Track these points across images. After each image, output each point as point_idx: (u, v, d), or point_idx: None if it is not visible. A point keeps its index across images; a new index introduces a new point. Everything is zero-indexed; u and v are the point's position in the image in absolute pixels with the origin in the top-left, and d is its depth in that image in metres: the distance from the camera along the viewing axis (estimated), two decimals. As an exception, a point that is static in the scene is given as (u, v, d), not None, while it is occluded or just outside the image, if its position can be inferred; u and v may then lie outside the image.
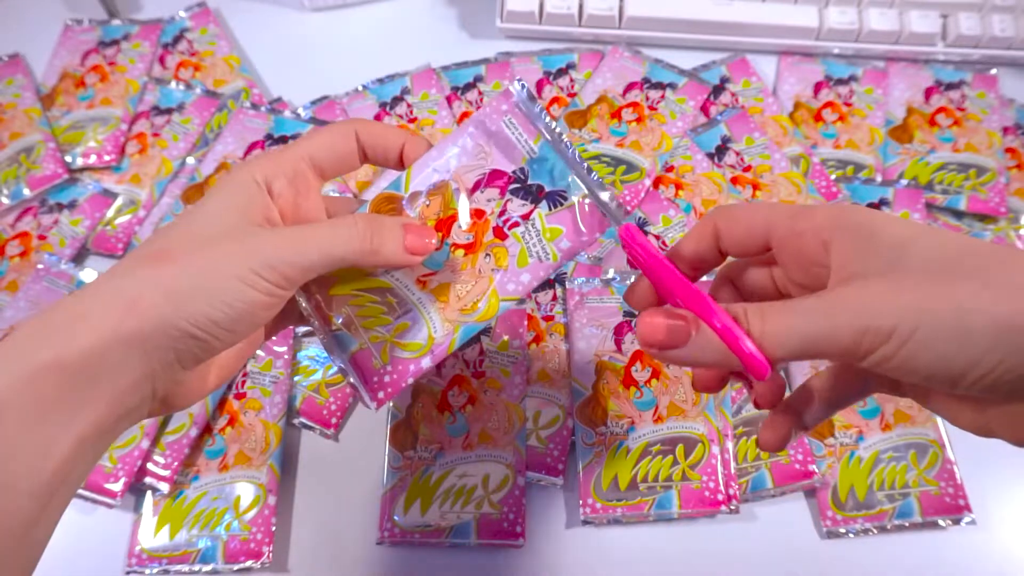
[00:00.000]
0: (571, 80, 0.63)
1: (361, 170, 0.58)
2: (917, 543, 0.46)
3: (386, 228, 0.29)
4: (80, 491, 0.46)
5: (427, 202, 0.32)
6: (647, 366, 0.49)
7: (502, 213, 0.32)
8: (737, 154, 0.58)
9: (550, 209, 0.31)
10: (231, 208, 0.28)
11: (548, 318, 0.52)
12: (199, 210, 0.28)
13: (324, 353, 0.52)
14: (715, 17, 0.63)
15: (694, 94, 0.61)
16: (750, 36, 0.64)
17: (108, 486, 0.46)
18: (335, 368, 0.51)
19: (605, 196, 0.30)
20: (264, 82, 0.65)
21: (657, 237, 0.55)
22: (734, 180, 0.58)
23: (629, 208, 0.55)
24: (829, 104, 0.62)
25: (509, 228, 0.32)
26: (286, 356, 0.51)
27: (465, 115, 0.61)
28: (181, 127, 0.61)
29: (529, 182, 0.32)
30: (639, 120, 0.60)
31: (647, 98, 0.61)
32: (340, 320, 0.32)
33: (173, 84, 0.63)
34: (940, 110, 0.61)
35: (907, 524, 0.45)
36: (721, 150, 0.59)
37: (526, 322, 0.52)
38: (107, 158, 0.59)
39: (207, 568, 0.45)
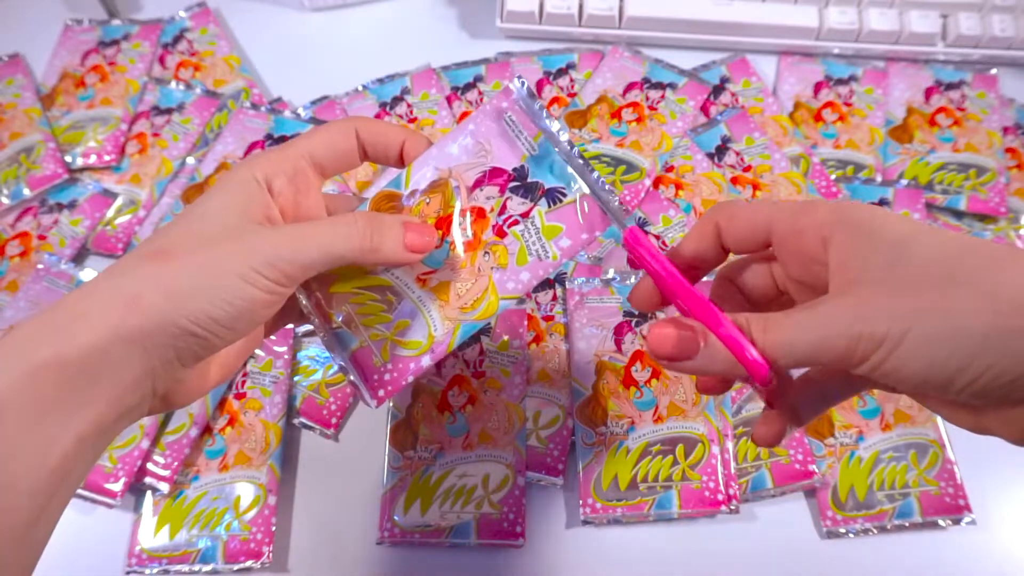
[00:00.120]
0: (571, 80, 0.63)
1: (361, 169, 0.58)
2: (917, 543, 0.46)
3: (386, 226, 0.29)
4: (80, 491, 0.46)
5: (427, 200, 0.32)
6: (647, 366, 0.49)
7: (502, 211, 0.32)
8: (737, 154, 0.58)
9: (549, 207, 0.31)
10: (231, 206, 0.28)
11: (548, 318, 0.52)
12: (199, 209, 0.28)
13: (324, 353, 0.52)
14: (715, 17, 0.63)
15: (694, 94, 0.61)
16: (750, 36, 0.64)
17: (108, 486, 0.46)
18: (335, 367, 0.51)
19: (608, 198, 0.30)
20: (264, 82, 0.65)
21: (657, 237, 0.55)
22: (734, 180, 0.58)
23: (629, 208, 0.55)
24: (829, 104, 0.62)
25: (509, 226, 0.32)
26: (286, 356, 0.51)
27: (465, 115, 0.61)
28: (181, 127, 0.61)
29: (529, 180, 0.32)
30: (639, 120, 0.60)
31: (647, 98, 0.61)
32: (340, 318, 0.32)
33: (173, 84, 0.63)
34: (940, 110, 0.61)
35: (907, 524, 0.45)
36: (721, 150, 0.59)
37: (526, 322, 0.52)
38: (107, 158, 0.59)
39: (207, 568, 0.45)
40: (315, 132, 0.31)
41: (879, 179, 0.58)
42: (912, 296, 0.23)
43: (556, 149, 0.31)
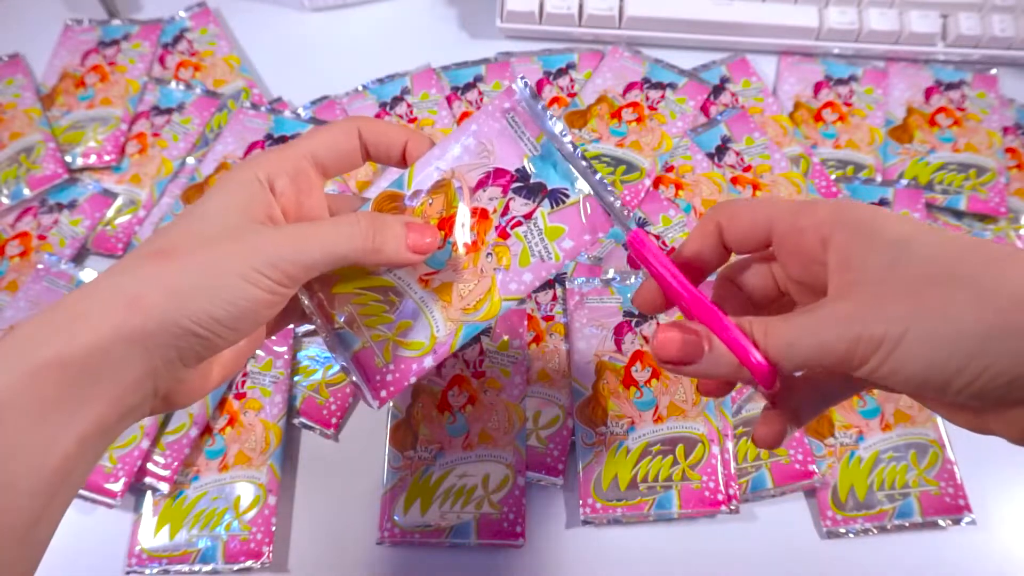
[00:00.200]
0: (571, 80, 0.63)
1: (361, 169, 0.58)
2: (917, 543, 0.46)
3: (388, 226, 0.29)
4: (80, 491, 0.46)
5: (430, 200, 0.32)
6: (647, 366, 0.49)
7: (504, 212, 0.32)
8: (737, 154, 0.58)
9: (552, 208, 0.31)
10: (233, 206, 0.28)
11: (548, 318, 0.52)
12: (201, 208, 0.28)
13: (324, 353, 0.52)
14: (715, 17, 0.63)
15: (694, 94, 0.61)
16: (750, 36, 0.64)
17: (108, 486, 0.46)
18: (337, 366, 0.51)
19: (611, 199, 0.30)
20: (264, 82, 0.65)
21: (657, 237, 0.55)
22: (734, 180, 0.58)
23: (630, 209, 0.55)
24: (829, 104, 0.62)
25: (511, 227, 0.32)
26: (286, 356, 0.51)
27: (465, 115, 0.61)
28: (181, 127, 0.61)
29: (532, 181, 0.31)
30: (639, 120, 0.60)
31: (647, 98, 0.61)
32: (343, 318, 0.32)
33: (173, 84, 0.63)
34: (940, 110, 0.61)
35: (907, 524, 0.45)
36: (721, 150, 0.59)
37: (526, 322, 0.52)
38: (107, 158, 0.59)
39: (207, 568, 0.45)
40: (317, 132, 0.31)
41: (879, 179, 0.58)
42: (910, 297, 0.23)
43: (559, 150, 0.31)
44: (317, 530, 0.47)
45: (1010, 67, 0.64)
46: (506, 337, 0.51)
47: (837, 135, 0.60)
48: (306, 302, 0.32)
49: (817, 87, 0.63)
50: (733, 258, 0.31)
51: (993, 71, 0.63)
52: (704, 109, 0.62)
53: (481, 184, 0.32)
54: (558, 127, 0.31)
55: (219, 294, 0.26)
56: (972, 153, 0.59)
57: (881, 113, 0.61)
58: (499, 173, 0.32)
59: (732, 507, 0.45)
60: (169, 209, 0.57)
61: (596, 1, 0.63)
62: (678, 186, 0.57)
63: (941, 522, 0.46)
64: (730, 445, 0.47)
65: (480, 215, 0.32)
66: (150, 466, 0.47)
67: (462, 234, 0.32)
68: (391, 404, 0.49)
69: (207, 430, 0.49)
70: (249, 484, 0.47)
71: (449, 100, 0.62)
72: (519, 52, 0.65)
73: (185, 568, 0.45)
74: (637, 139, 0.58)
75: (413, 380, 0.32)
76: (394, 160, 0.33)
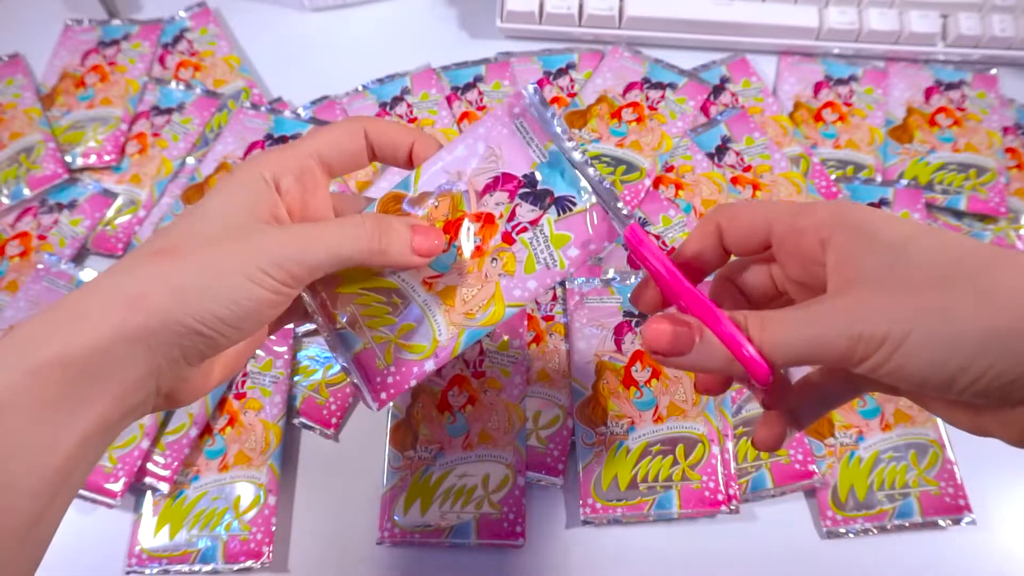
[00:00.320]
0: (571, 80, 0.63)
1: (361, 170, 0.58)
2: (917, 543, 0.46)
3: (394, 229, 0.29)
4: (80, 491, 0.46)
5: (435, 203, 0.32)
6: (647, 366, 0.49)
7: (511, 218, 0.31)
8: (737, 154, 0.58)
9: (559, 215, 0.31)
10: (238, 205, 0.28)
11: (548, 318, 0.52)
12: (206, 206, 0.28)
13: (324, 353, 0.52)
14: (715, 17, 0.63)
15: (694, 94, 0.61)
16: (750, 36, 0.64)
17: (108, 486, 0.46)
18: (337, 367, 0.51)
19: (609, 196, 0.30)
20: (264, 82, 0.65)
21: (657, 237, 0.55)
22: (734, 180, 0.58)
23: (630, 209, 0.55)
24: (829, 104, 0.62)
25: (517, 233, 0.31)
26: (286, 356, 0.51)
27: (465, 115, 0.61)
28: (181, 127, 0.61)
29: (539, 187, 0.31)
30: (639, 120, 0.60)
31: (647, 98, 0.61)
32: (345, 319, 0.32)
33: (173, 84, 0.63)
34: (940, 110, 0.61)
35: (907, 524, 0.45)
36: (721, 150, 0.59)
37: (526, 322, 0.52)
38: (107, 158, 0.59)
39: (207, 568, 0.45)
40: (323, 131, 0.31)
41: (879, 179, 0.58)
42: (913, 296, 0.23)
43: (566, 156, 0.31)
44: (317, 530, 0.47)
45: (1010, 67, 0.64)
46: (506, 337, 0.51)
47: (837, 135, 0.60)
48: (309, 301, 0.32)
49: (817, 87, 0.63)
50: (732, 259, 0.31)
51: (993, 71, 0.63)
52: (704, 109, 0.62)
53: (488, 189, 0.32)
54: (566, 133, 0.31)
55: (223, 293, 0.25)
56: (972, 153, 0.59)
57: (881, 113, 0.61)
58: (506, 178, 0.32)
59: (732, 507, 0.45)
60: (169, 209, 0.57)
61: (596, 1, 0.63)
62: (678, 186, 0.57)
63: (941, 522, 0.46)
64: (730, 445, 0.47)
65: (486, 220, 0.32)
66: (150, 466, 0.47)
67: (467, 238, 0.32)
68: (391, 404, 0.49)
69: (207, 430, 0.49)
70: (249, 484, 0.47)
71: (449, 100, 0.62)
72: (519, 52, 0.65)
73: (185, 568, 0.45)
74: (637, 139, 0.58)
75: (413, 383, 0.32)
76: (400, 161, 0.33)
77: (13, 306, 0.52)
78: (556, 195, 0.31)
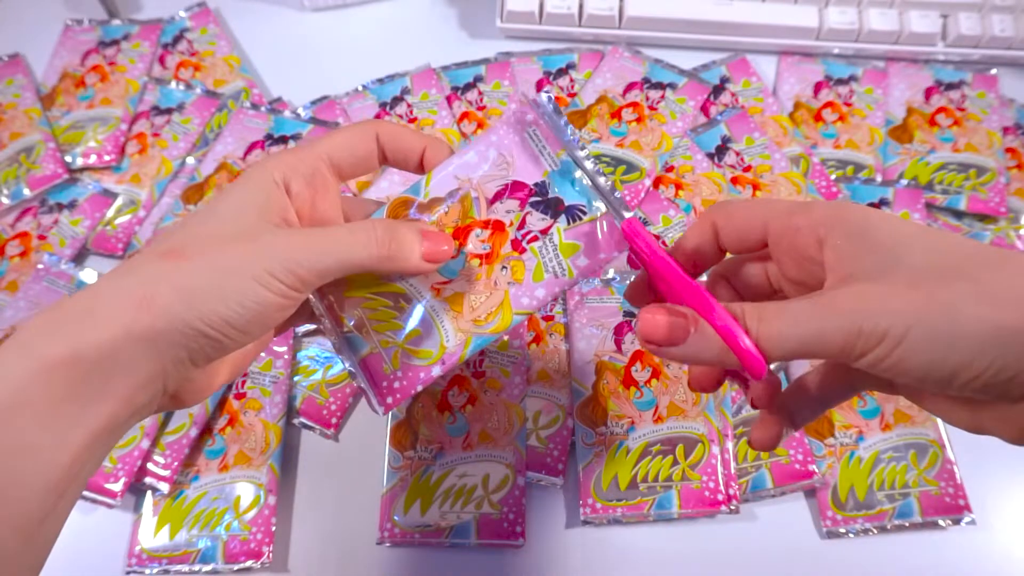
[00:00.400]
0: (571, 80, 0.63)
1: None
2: (917, 543, 0.46)
3: (404, 234, 0.29)
4: (80, 491, 0.46)
5: (445, 209, 0.32)
6: (647, 366, 0.49)
7: (521, 226, 0.31)
8: (737, 154, 0.58)
9: (568, 224, 0.31)
10: (248, 207, 0.28)
11: (548, 318, 0.52)
12: (215, 208, 0.28)
13: (324, 353, 0.52)
14: (715, 17, 0.63)
15: (694, 94, 0.61)
16: (750, 36, 0.64)
17: (108, 486, 0.46)
18: (337, 367, 0.51)
19: (608, 191, 0.30)
20: (264, 82, 0.65)
21: (657, 237, 0.55)
22: (734, 180, 0.58)
23: (629, 208, 0.55)
24: (829, 104, 0.62)
25: (528, 242, 0.31)
26: (286, 356, 0.51)
27: (465, 115, 0.61)
28: (181, 127, 0.61)
29: (549, 196, 0.31)
30: (639, 120, 0.60)
31: (647, 98, 0.61)
32: (352, 322, 0.32)
33: (173, 84, 0.63)
34: (940, 110, 0.61)
35: (907, 524, 0.45)
36: (721, 150, 0.59)
37: (526, 322, 0.52)
38: (107, 158, 0.59)
39: (207, 568, 0.45)
40: (335, 134, 0.31)
41: (879, 179, 0.58)
42: (914, 293, 0.23)
43: (577, 164, 0.31)
44: (317, 530, 0.47)
45: (1010, 67, 0.64)
46: (506, 337, 0.51)
47: (837, 135, 0.60)
48: (316, 304, 0.32)
49: (817, 87, 0.63)
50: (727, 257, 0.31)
51: (993, 71, 0.63)
52: (704, 109, 0.62)
53: (499, 196, 0.32)
54: (578, 141, 0.30)
55: (231, 296, 0.25)
56: (972, 153, 0.59)
57: (881, 113, 0.61)
58: (517, 186, 0.31)
59: (732, 507, 0.45)
60: (169, 209, 0.57)
61: (596, 1, 0.63)
62: (678, 186, 0.57)
63: (941, 522, 0.46)
64: (730, 445, 0.47)
65: (496, 227, 0.32)
66: (150, 466, 0.47)
67: (477, 245, 0.32)
68: (391, 404, 0.49)
69: (207, 430, 0.49)
70: (249, 484, 0.47)
71: (449, 100, 0.62)
72: (519, 52, 0.65)
73: (185, 568, 0.45)
74: (637, 139, 0.58)
75: (420, 388, 0.31)
76: (411, 166, 0.33)
77: (13, 306, 0.52)
78: (566, 204, 0.31)
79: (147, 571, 0.45)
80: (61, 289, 0.53)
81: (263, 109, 0.61)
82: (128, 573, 0.45)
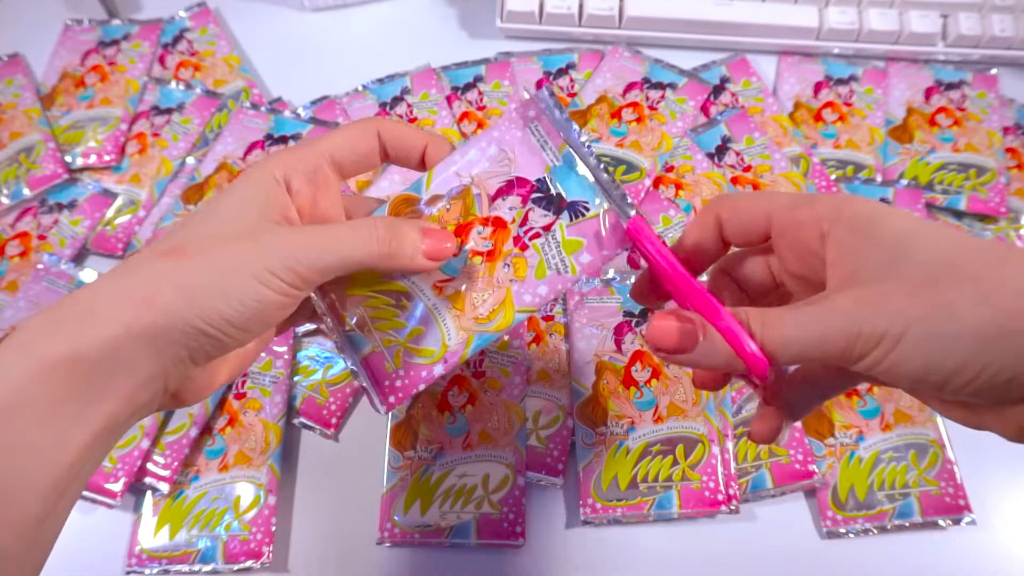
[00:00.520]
0: (571, 80, 0.63)
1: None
2: (917, 543, 0.46)
3: (405, 232, 0.29)
4: (80, 491, 0.46)
5: (447, 206, 0.32)
6: (647, 366, 0.49)
7: (523, 222, 0.31)
8: (737, 154, 0.58)
9: (571, 220, 0.31)
10: (249, 205, 0.28)
11: (548, 318, 0.52)
12: (216, 206, 0.28)
13: (324, 353, 0.52)
14: (715, 17, 0.63)
15: (694, 94, 0.61)
16: (750, 36, 0.64)
17: (108, 486, 0.46)
18: (336, 367, 0.51)
19: (613, 189, 0.30)
20: (264, 82, 0.65)
21: (657, 237, 0.55)
22: (734, 180, 0.58)
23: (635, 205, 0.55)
24: (829, 104, 0.62)
25: (530, 239, 0.31)
26: (286, 356, 0.51)
27: (465, 115, 0.61)
28: (181, 127, 0.61)
29: (552, 192, 0.31)
30: (639, 120, 0.60)
31: (647, 98, 0.61)
32: (354, 320, 0.31)
33: (173, 84, 0.63)
34: (940, 110, 0.61)
35: (907, 524, 0.45)
36: (721, 150, 0.59)
37: (526, 322, 0.52)
38: (107, 158, 0.59)
39: (207, 568, 0.45)
40: (336, 132, 0.31)
41: (879, 179, 0.58)
42: (912, 294, 0.23)
43: (579, 156, 0.30)
44: (317, 530, 0.47)
45: (1010, 67, 0.64)
46: (506, 337, 0.51)
47: (837, 135, 0.60)
48: (318, 302, 0.32)
49: (817, 87, 0.63)
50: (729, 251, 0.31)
51: (993, 71, 0.63)
52: (704, 109, 0.62)
53: (501, 193, 0.31)
54: (581, 137, 0.30)
55: (231, 294, 0.25)
56: (972, 153, 0.59)
57: (881, 113, 0.61)
58: (520, 182, 0.31)
59: (732, 507, 0.45)
60: (169, 209, 0.57)
61: (596, 1, 0.63)
62: (678, 186, 0.57)
63: (941, 522, 0.46)
64: (730, 445, 0.47)
65: (498, 224, 0.31)
66: (150, 466, 0.47)
67: (479, 242, 0.31)
68: (391, 404, 0.49)
69: (207, 430, 0.49)
70: (249, 484, 0.47)
71: (449, 100, 0.62)
72: (519, 52, 0.65)
73: (185, 568, 0.45)
74: (637, 139, 0.58)
75: (422, 387, 0.31)
76: (413, 163, 0.33)
77: (13, 306, 0.52)
78: (569, 200, 0.31)
79: (147, 571, 0.45)
80: (61, 289, 0.53)
81: (263, 109, 0.61)
82: (128, 573, 0.45)
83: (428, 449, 0.47)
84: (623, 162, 0.58)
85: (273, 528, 0.46)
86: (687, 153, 0.58)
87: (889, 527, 0.45)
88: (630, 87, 0.61)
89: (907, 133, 0.60)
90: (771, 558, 0.46)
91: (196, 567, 0.45)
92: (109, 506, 0.47)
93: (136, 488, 0.47)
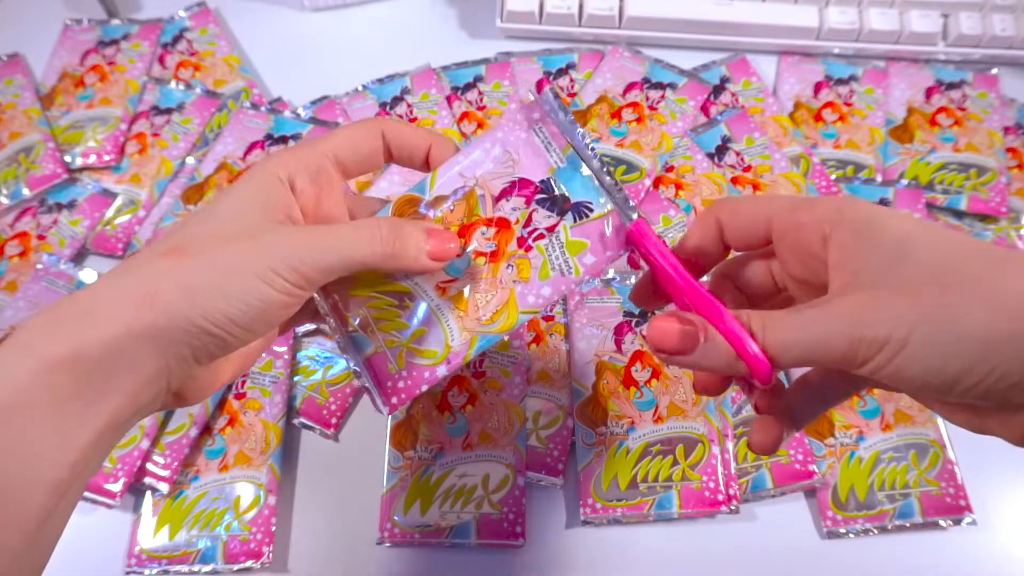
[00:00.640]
0: (571, 80, 0.63)
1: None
2: (918, 543, 0.46)
3: (409, 233, 0.29)
4: (80, 491, 0.46)
5: (451, 207, 0.32)
6: (647, 366, 0.49)
7: (527, 223, 0.31)
8: (737, 154, 0.58)
9: (575, 221, 0.31)
10: (253, 204, 0.28)
11: (548, 318, 0.52)
12: (219, 205, 0.28)
13: (324, 353, 0.52)
14: (715, 17, 0.63)
15: (694, 94, 0.61)
16: (750, 36, 0.64)
17: (107, 486, 0.46)
18: (337, 367, 0.51)
19: (615, 191, 0.30)
20: (264, 82, 0.65)
21: (659, 239, 0.55)
22: (734, 180, 0.57)
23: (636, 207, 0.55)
24: (829, 104, 0.62)
25: (534, 240, 0.31)
26: (286, 356, 0.51)
27: (465, 115, 0.61)
28: (181, 127, 0.61)
29: (556, 193, 0.31)
30: (639, 120, 0.59)
31: (647, 98, 0.61)
32: (357, 321, 0.31)
33: (173, 84, 0.63)
34: (941, 110, 0.61)
35: (908, 524, 0.45)
36: (721, 150, 0.59)
37: (526, 322, 0.51)
38: (107, 158, 0.59)
39: (207, 568, 0.45)
40: (340, 131, 0.31)
41: (879, 179, 0.58)
42: (914, 298, 0.22)
43: (584, 162, 0.30)
44: (317, 530, 0.47)
45: (1011, 67, 0.64)
46: (506, 337, 0.51)
47: (837, 135, 0.60)
48: (321, 302, 0.31)
49: (817, 87, 0.63)
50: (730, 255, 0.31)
51: (994, 71, 0.63)
52: (704, 109, 0.61)
53: (504, 193, 0.31)
54: (584, 137, 0.30)
55: (233, 293, 0.25)
56: (973, 153, 0.59)
57: (881, 113, 0.61)
58: (523, 183, 0.31)
59: (732, 507, 0.45)
60: (169, 209, 0.57)
61: (596, 1, 0.63)
62: (678, 186, 0.57)
63: (942, 522, 0.46)
64: (730, 445, 0.47)
65: (502, 225, 0.31)
66: (150, 466, 0.47)
67: (482, 243, 0.31)
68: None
69: (207, 430, 0.49)
70: (249, 484, 0.47)
71: (449, 100, 0.62)
72: (519, 52, 0.65)
73: (185, 568, 0.45)
74: (637, 139, 0.58)
75: (425, 388, 0.31)
76: (417, 164, 0.33)
77: (12, 306, 0.52)
78: (573, 201, 0.31)
79: (147, 571, 0.45)
80: (60, 289, 0.53)
81: (263, 109, 0.61)
82: (128, 573, 0.45)
83: (428, 449, 0.47)
84: (623, 162, 0.58)
85: (273, 528, 0.46)
86: (687, 153, 0.58)
87: (889, 527, 0.45)
88: (630, 87, 0.61)
89: (907, 133, 0.60)
90: (771, 558, 0.46)
91: (196, 567, 0.45)
92: (109, 506, 0.46)
93: (136, 488, 0.47)
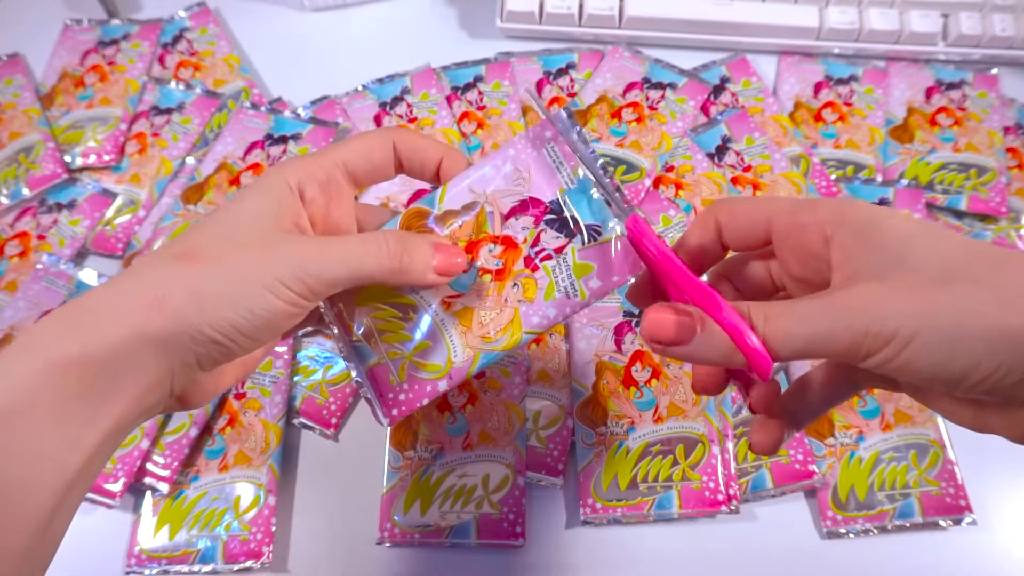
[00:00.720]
0: (571, 80, 0.63)
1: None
2: (918, 543, 0.46)
3: (416, 247, 0.29)
4: (80, 491, 0.46)
5: (459, 223, 0.31)
6: (647, 366, 0.49)
7: (535, 243, 0.31)
8: (737, 154, 0.58)
9: (583, 244, 0.30)
10: (262, 212, 0.28)
11: (548, 318, 0.52)
12: (231, 211, 0.28)
13: (324, 353, 0.52)
14: (715, 17, 0.63)
15: (694, 94, 0.61)
16: (750, 36, 0.64)
17: (107, 486, 0.46)
18: (337, 367, 0.51)
19: (611, 189, 0.30)
20: (264, 82, 0.65)
21: (657, 236, 0.55)
22: (734, 180, 0.57)
23: (633, 205, 0.55)
24: (829, 104, 0.62)
25: (541, 260, 0.31)
26: (286, 356, 0.51)
27: (465, 115, 0.61)
28: (181, 127, 0.61)
29: (565, 214, 0.31)
30: (639, 120, 0.59)
31: (647, 98, 0.61)
32: (361, 331, 0.31)
33: (173, 84, 0.63)
34: (941, 110, 0.61)
35: (908, 524, 0.45)
36: (721, 150, 0.59)
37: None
38: (107, 158, 0.59)
39: (207, 568, 0.45)
40: (352, 141, 0.31)
41: (879, 179, 0.58)
42: (921, 293, 0.22)
43: (595, 181, 0.30)
44: (317, 530, 0.47)
45: (1011, 67, 0.64)
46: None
47: (837, 135, 0.60)
48: (326, 311, 0.31)
49: (817, 87, 0.63)
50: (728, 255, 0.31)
51: (994, 71, 0.63)
52: (704, 109, 0.61)
53: (514, 212, 0.31)
54: (595, 156, 0.30)
55: (241, 302, 0.25)
56: (973, 153, 0.59)
57: (881, 113, 0.61)
58: (533, 203, 0.31)
59: (732, 507, 0.45)
60: (169, 209, 0.57)
61: (596, 1, 0.63)
62: (678, 186, 0.57)
63: (942, 522, 0.46)
64: (730, 445, 0.47)
65: (510, 244, 0.31)
66: (150, 466, 0.47)
67: (488, 260, 0.31)
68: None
69: (207, 430, 0.49)
70: (249, 484, 0.47)
71: (449, 100, 0.62)
72: (519, 52, 0.65)
73: (185, 568, 0.45)
74: (637, 139, 0.58)
75: (426, 402, 0.31)
76: (428, 176, 0.32)
77: (12, 306, 0.52)
78: (582, 224, 0.30)
79: (146, 571, 0.45)
80: (60, 289, 0.53)
81: (263, 109, 0.61)
82: (127, 573, 0.45)
83: (428, 449, 0.47)
84: (623, 162, 0.58)
85: (273, 528, 0.46)
86: (687, 153, 0.58)
87: (889, 527, 0.45)
88: (630, 87, 0.61)
89: (907, 133, 0.60)
90: (771, 558, 0.46)
91: (196, 567, 0.45)
92: (109, 506, 0.46)
93: (136, 488, 0.47)
